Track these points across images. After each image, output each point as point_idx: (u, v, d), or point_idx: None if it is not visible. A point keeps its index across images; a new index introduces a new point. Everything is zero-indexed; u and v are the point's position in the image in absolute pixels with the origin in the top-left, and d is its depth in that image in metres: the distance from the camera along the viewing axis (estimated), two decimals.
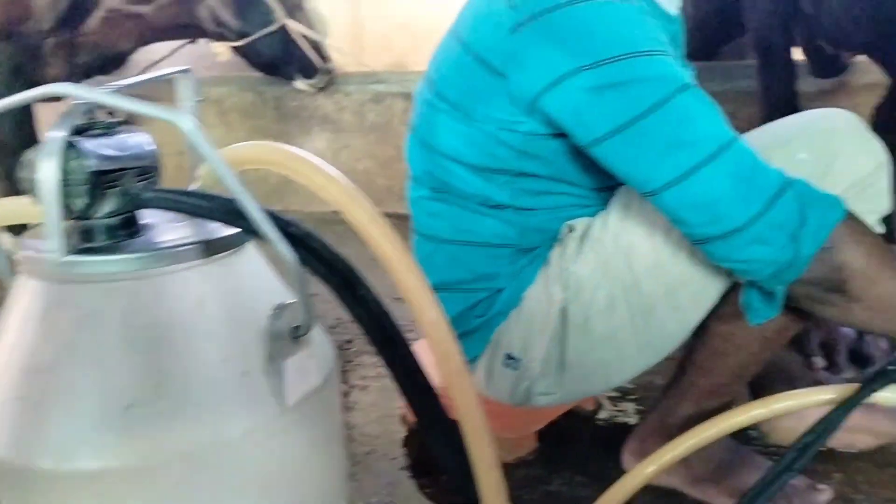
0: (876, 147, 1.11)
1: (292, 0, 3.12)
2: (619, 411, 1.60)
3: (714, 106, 1.02)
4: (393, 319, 0.71)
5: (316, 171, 0.73)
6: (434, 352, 0.77)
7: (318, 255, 0.68)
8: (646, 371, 1.24)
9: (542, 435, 1.44)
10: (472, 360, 1.24)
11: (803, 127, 1.12)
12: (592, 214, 1.19)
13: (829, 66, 2.25)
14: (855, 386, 1.07)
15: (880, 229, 1.11)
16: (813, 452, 1.04)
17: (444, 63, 1.17)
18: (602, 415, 1.58)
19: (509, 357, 1.21)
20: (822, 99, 2.69)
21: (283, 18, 3.04)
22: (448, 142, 1.16)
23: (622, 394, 1.66)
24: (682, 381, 1.24)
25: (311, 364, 0.77)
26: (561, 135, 1.09)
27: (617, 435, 1.37)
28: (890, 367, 1.03)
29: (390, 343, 0.71)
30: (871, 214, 1.12)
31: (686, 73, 1.04)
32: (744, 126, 2.71)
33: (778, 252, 0.96)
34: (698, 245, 1.03)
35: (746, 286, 1.07)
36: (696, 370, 1.21)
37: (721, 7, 2.57)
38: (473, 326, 1.21)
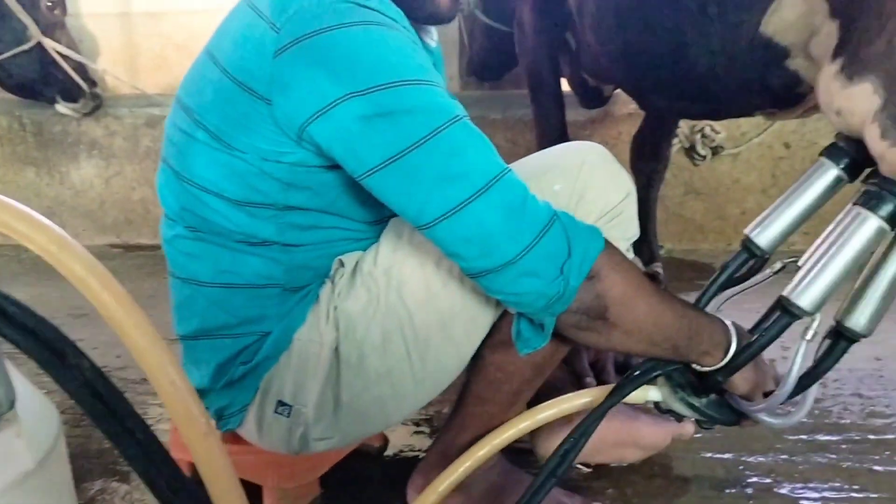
0: (624, 178, 1.18)
1: (51, 17, 2.84)
2: (407, 445, 1.58)
3: (484, 138, 1.02)
4: (114, 388, 0.62)
5: (17, 217, 0.63)
6: (173, 416, 0.69)
7: (16, 322, 0.58)
8: (433, 401, 1.23)
9: (326, 479, 1.37)
10: (239, 410, 1.15)
11: (558, 160, 1.16)
12: (364, 248, 1.16)
13: (592, 97, 2.41)
14: (609, 387, 1.13)
15: (630, 255, 1.18)
16: (574, 457, 1.10)
17: (201, 89, 1.08)
18: (389, 451, 1.55)
19: (281, 403, 1.14)
20: (591, 127, 2.90)
21: (37, 36, 2.76)
22: (206, 174, 1.08)
23: (413, 425, 1.64)
24: (461, 411, 1.23)
25: (19, 445, 0.66)
26: (332, 166, 1.04)
27: (406, 470, 1.34)
28: (636, 373, 1.12)
29: (113, 415, 0.62)
30: (622, 241, 1.18)
31: (456, 105, 1.02)
32: (523, 153, 2.82)
33: (548, 285, 0.98)
34: (472, 278, 1.02)
35: (516, 317, 1.08)
36: (473, 400, 1.21)
37: (495, 39, 2.67)
38: (239, 374, 1.13)
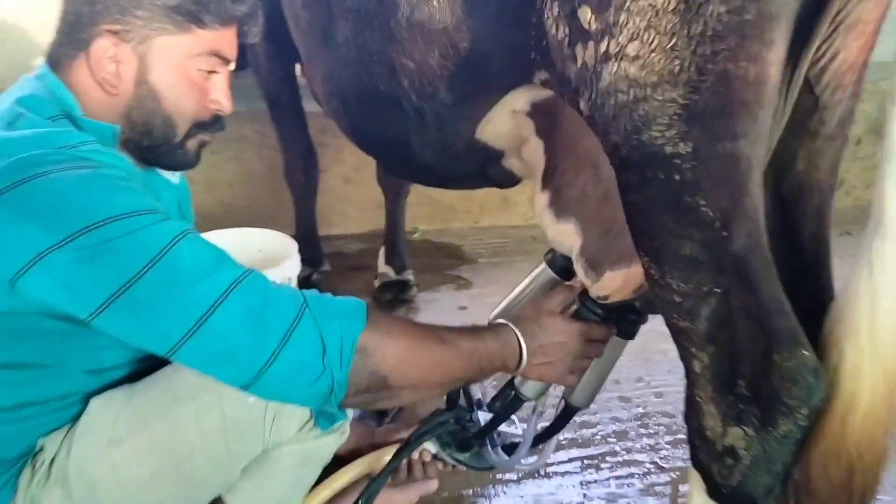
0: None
1: None
2: None
3: (215, 249, 1.03)
4: None
5: None
6: None
7: None
8: None
9: None
10: None
11: None
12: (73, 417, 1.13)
13: None
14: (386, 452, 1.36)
15: None
16: None
17: None
18: None
19: None
20: None
21: None
22: None
23: None
24: None
25: None
26: (50, 314, 1.01)
27: None
28: (412, 439, 1.33)
29: None
30: None
31: (177, 225, 1.03)
32: (276, 145, 2.73)
33: (312, 385, 1.01)
34: (244, 390, 1.03)
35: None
36: None
37: None
38: None
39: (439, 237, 3.05)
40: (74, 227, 0.95)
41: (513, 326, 1.21)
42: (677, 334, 1.07)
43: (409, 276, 2.49)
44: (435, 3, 1.24)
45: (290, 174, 2.37)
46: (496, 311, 1.47)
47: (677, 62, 0.94)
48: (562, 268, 1.39)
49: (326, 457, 1.24)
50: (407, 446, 1.36)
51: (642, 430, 1.94)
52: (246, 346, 0.99)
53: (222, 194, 2.96)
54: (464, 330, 1.18)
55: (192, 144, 1.20)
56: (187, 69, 1.14)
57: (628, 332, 1.36)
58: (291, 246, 2.13)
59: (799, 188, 1.11)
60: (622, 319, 1.32)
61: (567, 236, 1.28)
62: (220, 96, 1.19)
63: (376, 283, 2.51)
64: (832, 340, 1.00)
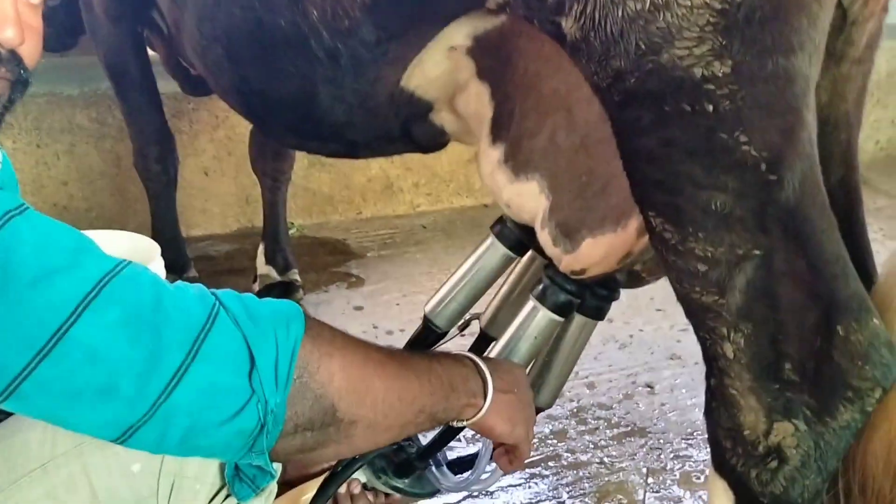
0: None
1: None
2: None
3: (71, 232, 0.70)
4: None
5: None
6: None
7: None
8: None
9: None
10: None
11: None
12: None
13: (198, 84, 2.02)
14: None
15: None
16: None
17: None
18: None
19: None
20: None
21: None
22: None
23: None
24: None
25: None
26: None
27: None
28: (338, 469, 1.08)
29: None
30: None
31: (14, 197, 0.69)
32: (115, 133, 2.35)
33: (234, 420, 0.70)
34: (121, 443, 0.69)
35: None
36: None
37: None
38: None
39: (319, 232, 2.72)
40: None
41: (475, 358, 0.93)
42: (699, 312, 0.86)
43: (295, 276, 2.15)
44: None
45: (142, 164, 1.95)
46: (432, 303, 1.22)
47: None
48: (515, 241, 1.15)
49: None
50: (333, 479, 1.10)
51: (581, 427, 1.74)
52: (131, 369, 0.66)
53: (54, 195, 2.47)
54: (412, 351, 0.92)
55: None
56: None
57: (599, 312, 1.15)
58: (152, 248, 1.76)
59: (823, 124, 0.92)
60: (594, 296, 1.11)
61: (529, 198, 1.04)
62: None
63: (256, 287, 2.16)
64: (893, 304, 0.82)
